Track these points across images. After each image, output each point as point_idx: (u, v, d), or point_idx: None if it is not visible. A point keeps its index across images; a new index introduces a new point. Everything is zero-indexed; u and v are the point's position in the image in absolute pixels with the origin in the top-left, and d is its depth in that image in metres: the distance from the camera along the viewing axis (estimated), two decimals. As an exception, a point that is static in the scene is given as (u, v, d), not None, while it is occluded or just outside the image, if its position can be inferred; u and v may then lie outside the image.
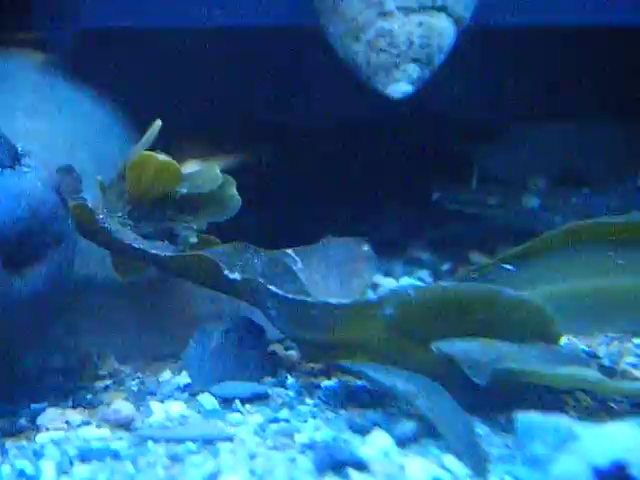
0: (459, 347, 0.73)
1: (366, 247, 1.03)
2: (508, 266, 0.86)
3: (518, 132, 1.60)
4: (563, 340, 0.80)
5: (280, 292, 0.80)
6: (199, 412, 0.81)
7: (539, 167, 1.58)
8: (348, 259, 1.00)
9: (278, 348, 0.96)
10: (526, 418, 0.60)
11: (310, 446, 0.73)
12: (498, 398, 0.76)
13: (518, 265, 0.86)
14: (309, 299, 0.79)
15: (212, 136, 1.59)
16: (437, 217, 1.39)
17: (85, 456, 0.72)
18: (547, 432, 0.59)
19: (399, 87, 1.10)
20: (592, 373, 0.70)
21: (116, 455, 0.72)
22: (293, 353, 0.95)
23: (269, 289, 0.81)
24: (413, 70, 1.10)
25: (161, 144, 0.96)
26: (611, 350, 0.97)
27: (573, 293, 0.82)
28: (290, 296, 0.80)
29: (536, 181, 1.38)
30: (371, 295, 0.78)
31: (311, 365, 0.91)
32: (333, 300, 0.78)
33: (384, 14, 1.10)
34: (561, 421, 0.59)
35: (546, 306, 0.74)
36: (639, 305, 0.80)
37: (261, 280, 0.81)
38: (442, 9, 1.10)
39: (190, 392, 0.85)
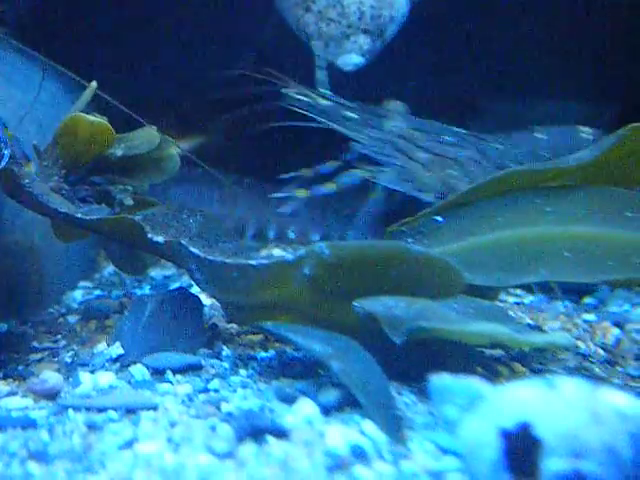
0: (380, 304, 0.71)
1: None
2: (438, 218, 0.84)
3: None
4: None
5: (201, 254, 0.78)
6: (129, 383, 0.79)
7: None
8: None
9: (219, 321, 0.94)
10: (439, 380, 0.59)
11: (234, 415, 0.71)
12: (424, 361, 0.74)
13: (448, 216, 0.84)
14: (229, 260, 0.77)
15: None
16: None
17: (1, 425, 0.70)
18: (458, 394, 0.57)
19: (350, 58, 1.09)
20: (500, 328, 0.68)
21: (33, 423, 0.70)
22: (234, 326, 0.93)
23: (191, 251, 0.79)
24: (364, 41, 1.08)
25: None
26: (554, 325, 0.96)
27: (499, 243, 0.80)
28: (210, 257, 0.78)
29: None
30: (288, 255, 0.75)
31: (249, 337, 0.90)
32: (252, 261, 0.77)
33: (335, -16, 1.08)
34: (471, 382, 0.57)
35: (452, 261, 0.72)
36: (561, 254, 0.78)
37: (183, 242, 0.80)
38: (393, -21, 1.09)
39: (122, 363, 0.83)
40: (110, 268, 1.22)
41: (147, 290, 1.11)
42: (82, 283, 1.16)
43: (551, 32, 1.28)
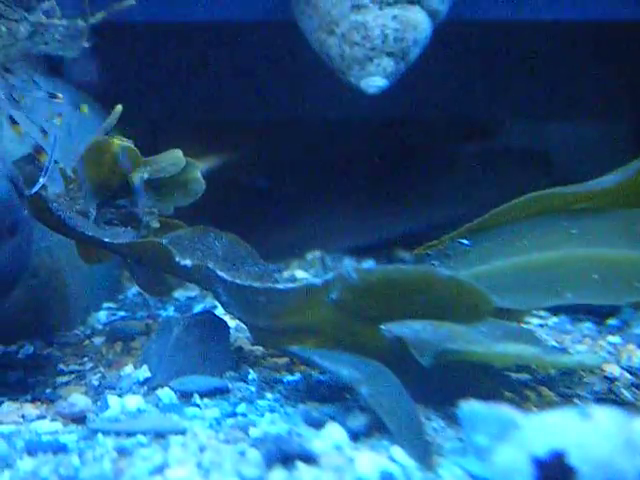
0: (408, 328, 0.71)
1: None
2: (464, 241, 0.85)
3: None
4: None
5: (228, 278, 0.79)
6: (157, 406, 0.80)
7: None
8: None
9: (244, 343, 0.94)
10: (469, 408, 0.59)
11: (262, 440, 0.71)
12: (452, 385, 0.75)
13: (474, 239, 0.85)
14: (256, 284, 0.78)
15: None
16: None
17: (32, 449, 0.70)
18: (490, 422, 0.57)
19: (373, 81, 1.09)
20: (527, 348, 0.68)
21: (63, 448, 0.71)
22: (259, 348, 0.93)
23: (218, 275, 0.79)
24: (387, 64, 1.09)
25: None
26: (580, 349, 0.96)
27: (525, 266, 0.80)
28: (238, 281, 0.78)
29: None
30: (316, 280, 0.76)
31: (275, 360, 0.90)
32: (280, 285, 0.77)
33: (358, 7, 1.09)
34: (503, 410, 0.57)
35: (479, 285, 0.72)
36: (588, 277, 0.78)
37: (210, 266, 0.80)
38: (416, 2, 1.09)
39: (150, 386, 0.83)
40: (134, 289, 1.22)
41: (171, 311, 1.12)
42: (106, 304, 1.16)
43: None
